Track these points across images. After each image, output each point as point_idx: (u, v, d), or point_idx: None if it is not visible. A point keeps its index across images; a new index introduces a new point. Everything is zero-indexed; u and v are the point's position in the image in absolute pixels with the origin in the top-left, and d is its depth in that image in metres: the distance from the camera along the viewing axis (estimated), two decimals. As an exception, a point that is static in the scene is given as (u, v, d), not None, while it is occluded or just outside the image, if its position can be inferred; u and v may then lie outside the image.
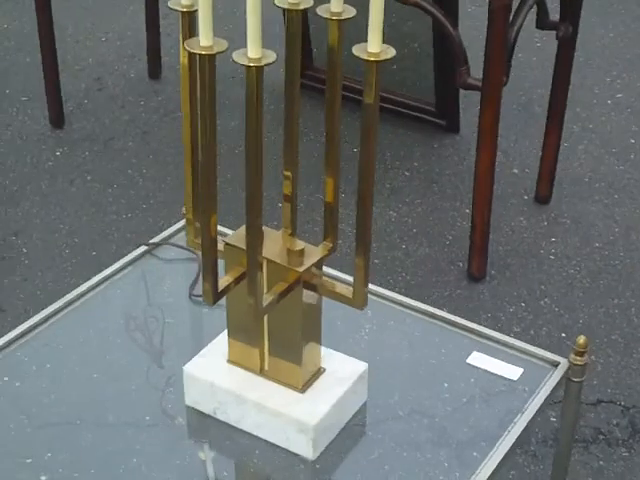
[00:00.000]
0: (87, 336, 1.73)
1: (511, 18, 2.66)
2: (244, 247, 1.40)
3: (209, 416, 1.54)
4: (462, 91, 3.38)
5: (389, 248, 3.08)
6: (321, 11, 1.39)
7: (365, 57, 1.29)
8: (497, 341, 1.74)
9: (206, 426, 1.54)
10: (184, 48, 1.33)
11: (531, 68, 4.12)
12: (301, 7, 1.40)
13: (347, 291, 1.45)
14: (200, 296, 1.76)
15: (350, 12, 1.38)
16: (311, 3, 1.42)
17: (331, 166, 1.50)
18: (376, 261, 3.01)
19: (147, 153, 3.46)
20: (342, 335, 1.70)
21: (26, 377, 1.63)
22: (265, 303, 1.39)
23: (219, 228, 1.89)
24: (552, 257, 3.07)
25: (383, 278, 2.93)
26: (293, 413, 1.46)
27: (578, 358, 1.67)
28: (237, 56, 1.27)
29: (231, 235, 1.50)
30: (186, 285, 1.83)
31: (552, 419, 2.48)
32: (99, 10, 4.44)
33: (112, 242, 3.00)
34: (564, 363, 1.68)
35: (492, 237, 3.08)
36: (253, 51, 1.26)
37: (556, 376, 1.66)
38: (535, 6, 2.88)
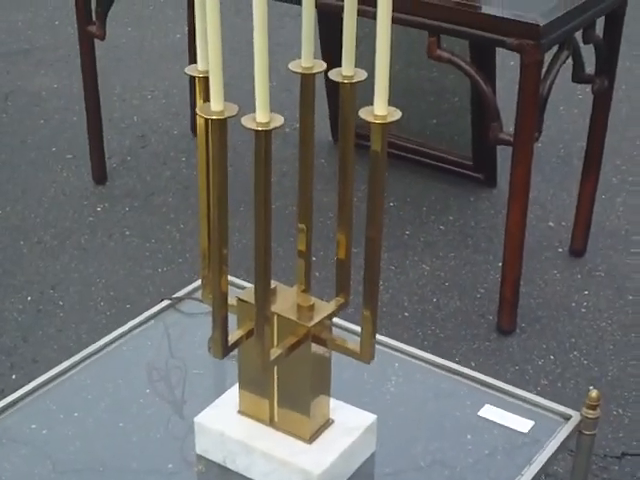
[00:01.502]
0: (112, 385, 1.79)
1: (544, 73, 2.70)
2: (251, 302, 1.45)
3: (219, 465, 1.58)
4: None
5: (420, 301, 3.11)
6: (333, 75, 1.44)
7: (372, 120, 1.34)
8: (510, 394, 1.77)
9: (216, 475, 1.58)
10: (197, 113, 1.40)
11: (572, 121, 4.16)
12: (314, 71, 1.46)
13: (355, 346, 1.49)
14: (218, 349, 1.82)
15: (361, 75, 1.44)
16: (324, 67, 1.47)
17: (344, 223, 1.55)
18: (406, 314, 3.05)
19: (186, 208, 3.53)
20: (353, 387, 1.74)
21: (53, 424, 1.69)
22: (273, 356, 1.44)
23: (237, 281, 1.96)
24: (584, 310, 3.08)
25: (412, 331, 2.96)
26: (299, 463, 1.50)
27: (590, 412, 1.69)
28: (246, 121, 1.32)
29: (244, 291, 1.55)
30: (206, 338, 1.88)
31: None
32: (147, 69, 4.57)
33: (147, 295, 3.07)
34: (576, 416, 1.70)
35: (524, 290, 3.11)
36: (261, 115, 1.32)
37: (566, 429, 1.68)
38: (571, 59, 2.92)
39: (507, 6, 2.67)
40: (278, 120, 1.31)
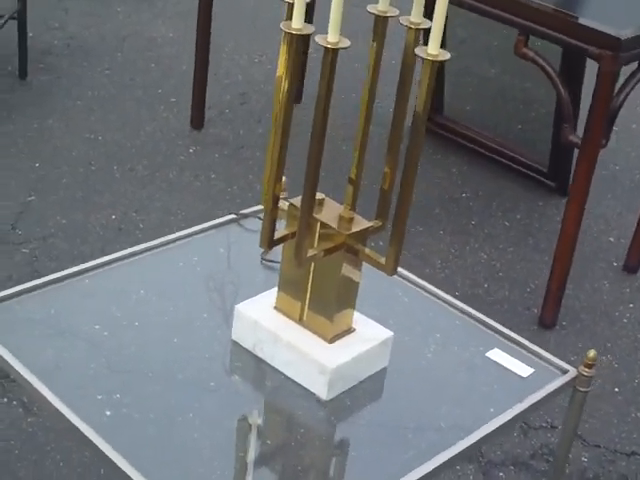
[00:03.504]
0: (168, 284, 1.98)
1: (620, 86, 2.86)
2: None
3: (249, 351, 1.79)
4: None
5: (472, 285, 3.28)
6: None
7: (424, 56, 1.53)
8: (519, 344, 1.95)
9: (245, 360, 1.79)
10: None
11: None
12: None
13: (382, 259, 1.68)
14: (271, 261, 2.03)
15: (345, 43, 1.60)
16: (397, 12, 1.66)
17: (391, 158, 1.74)
18: (456, 293, 3.22)
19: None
20: (381, 310, 1.93)
21: (113, 326, 1.85)
22: (308, 255, 1.64)
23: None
24: (625, 320, 3.22)
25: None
26: (317, 356, 1.70)
27: (586, 370, 1.86)
28: (319, 39, 1.53)
29: (295, 199, 1.75)
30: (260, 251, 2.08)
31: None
32: (259, 35, 4.81)
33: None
34: (573, 372, 1.87)
35: (572, 292, 3.26)
36: (332, 36, 1.52)
37: (562, 380, 1.85)
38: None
39: (599, 17, 2.84)
40: (345, 42, 1.51)
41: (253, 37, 4.79)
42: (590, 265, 3.46)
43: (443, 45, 4.00)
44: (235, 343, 1.81)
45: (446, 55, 1.53)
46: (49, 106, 3.94)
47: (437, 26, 1.49)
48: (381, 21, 1.65)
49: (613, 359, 3.04)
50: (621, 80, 2.97)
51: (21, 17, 3.97)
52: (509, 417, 1.74)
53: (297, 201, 1.72)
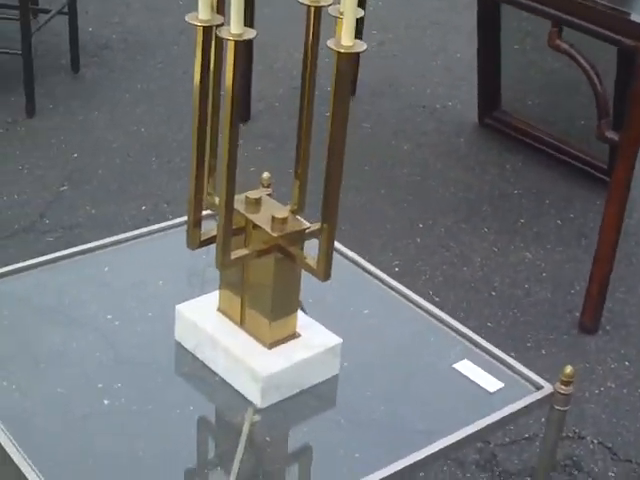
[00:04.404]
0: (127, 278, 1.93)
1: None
2: (237, 208, 1.57)
3: (192, 353, 1.70)
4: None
5: (511, 285, 3.12)
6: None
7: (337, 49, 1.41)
8: (493, 355, 1.80)
9: (187, 361, 1.69)
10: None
11: None
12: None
13: (314, 263, 1.56)
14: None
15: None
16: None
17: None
18: (493, 293, 3.06)
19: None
20: (338, 313, 1.81)
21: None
22: (233, 257, 1.53)
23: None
24: (676, 328, 3.02)
25: (493, 309, 2.98)
26: (251, 363, 1.59)
27: (563, 387, 1.70)
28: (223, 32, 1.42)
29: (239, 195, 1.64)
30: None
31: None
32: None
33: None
34: (547, 388, 1.71)
35: (621, 296, 3.08)
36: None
37: (532, 397, 1.70)
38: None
39: (637, 8, 2.66)
40: (250, 33, 1.40)
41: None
42: (644, 268, 3.26)
43: (507, 38, 3.84)
44: (178, 344, 1.72)
45: (362, 46, 1.40)
46: (97, 99, 3.92)
47: (349, 15, 1.36)
48: (313, 11, 1.54)
49: (658, 369, 2.85)
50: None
51: (71, 12, 3.96)
52: (461, 436, 1.60)
53: (237, 200, 1.62)
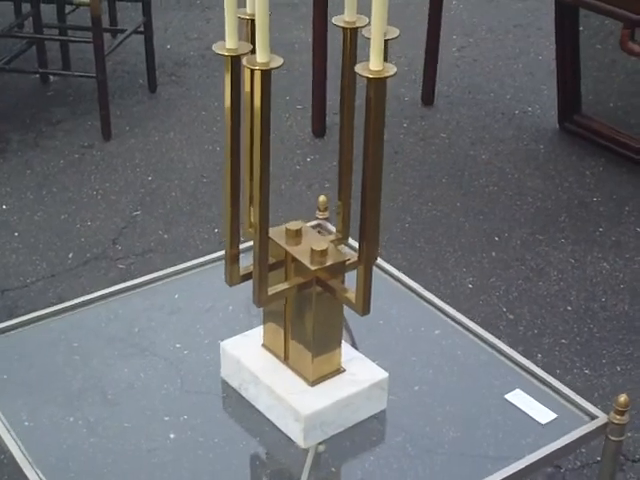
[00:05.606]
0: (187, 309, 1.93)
1: None
2: (277, 241, 1.55)
3: (237, 391, 1.69)
4: None
5: (587, 298, 3.04)
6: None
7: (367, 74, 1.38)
8: (548, 384, 1.76)
9: (234, 400, 1.68)
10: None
11: None
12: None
13: (353, 296, 1.54)
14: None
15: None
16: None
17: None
18: (569, 308, 2.99)
19: (390, 172, 3.62)
20: (388, 344, 1.78)
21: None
22: (271, 292, 1.52)
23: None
24: None
25: (568, 325, 2.91)
26: (293, 402, 1.57)
27: (617, 417, 1.65)
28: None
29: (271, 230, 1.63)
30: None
31: None
32: (399, 39, 4.66)
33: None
34: (602, 418, 1.66)
35: None
36: (261, 56, 1.40)
37: (586, 428, 1.65)
38: None
39: None
40: (277, 61, 1.38)
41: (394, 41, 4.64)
42: None
43: (588, 39, 3.76)
44: (224, 382, 1.72)
45: (391, 70, 1.37)
46: (173, 119, 3.96)
47: (377, 38, 1.33)
48: (349, 33, 1.52)
49: None
50: None
51: (147, 31, 4.00)
52: (513, 470, 1.56)
53: (276, 232, 1.61)
